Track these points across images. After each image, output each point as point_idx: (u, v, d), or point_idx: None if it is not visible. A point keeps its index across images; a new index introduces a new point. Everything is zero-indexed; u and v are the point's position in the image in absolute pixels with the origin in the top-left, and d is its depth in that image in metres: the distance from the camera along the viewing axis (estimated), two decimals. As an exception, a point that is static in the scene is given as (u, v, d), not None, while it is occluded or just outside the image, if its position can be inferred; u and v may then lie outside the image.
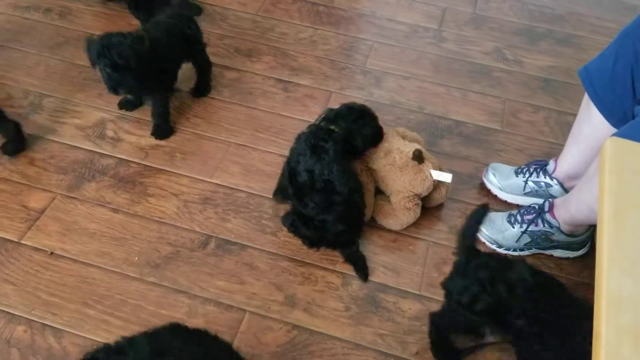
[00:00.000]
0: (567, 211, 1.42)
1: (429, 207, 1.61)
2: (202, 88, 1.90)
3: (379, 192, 1.61)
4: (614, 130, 1.31)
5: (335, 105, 1.61)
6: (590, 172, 1.28)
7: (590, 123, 1.41)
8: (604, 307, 0.63)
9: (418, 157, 1.52)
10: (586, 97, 1.42)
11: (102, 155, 1.68)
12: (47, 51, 1.99)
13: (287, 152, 1.60)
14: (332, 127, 1.50)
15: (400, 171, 1.53)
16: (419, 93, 1.98)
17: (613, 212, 0.71)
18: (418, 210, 1.55)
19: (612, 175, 0.75)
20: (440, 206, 1.63)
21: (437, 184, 1.57)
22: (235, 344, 1.30)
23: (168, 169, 1.66)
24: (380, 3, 2.38)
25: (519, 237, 1.48)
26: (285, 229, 1.52)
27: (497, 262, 1.19)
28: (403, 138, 1.61)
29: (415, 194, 1.54)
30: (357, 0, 2.39)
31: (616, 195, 0.73)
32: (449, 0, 2.42)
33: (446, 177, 1.54)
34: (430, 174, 1.52)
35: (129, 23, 2.13)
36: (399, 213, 1.53)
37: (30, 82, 1.88)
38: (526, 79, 2.09)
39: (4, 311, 1.33)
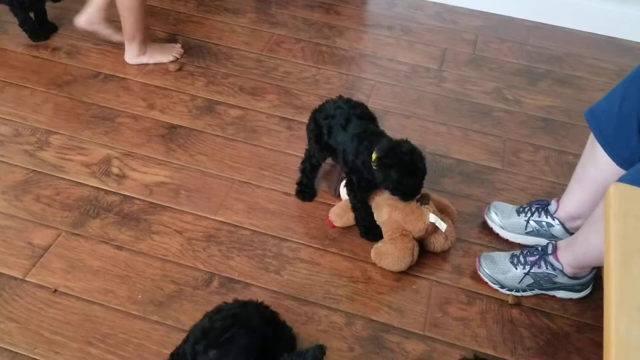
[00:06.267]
0: (573, 254, 1.42)
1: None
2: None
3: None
4: (619, 170, 1.33)
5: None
6: (597, 214, 1.29)
7: (596, 164, 1.42)
8: (613, 354, 0.63)
9: (421, 198, 1.54)
10: (591, 139, 1.43)
11: (107, 192, 1.69)
12: (55, 89, 2.03)
13: (290, 191, 1.61)
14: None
15: (397, 203, 1.54)
16: (420, 132, 2.01)
17: (620, 259, 0.72)
18: (407, 242, 1.52)
19: (618, 221, 0.76)
20: (443, 245, 1.64)
21: (437, 232, 1.56)
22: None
23: (172, 206, 1.67)
24: (382, 44, 2.43)
25: (522, 279, 1.48)
26: (287, 267, 1.53)
27: None
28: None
29: (404, 229, 1.53)
30: (358, 41, 2.44)
31: (622, 241, 0.74)
32: (449, 41, 2.47)
33: (441, 225, 1.54)
34: (428, 216, 1.52)
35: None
36: (389, 247, 1.52)
37: (38, 119, 1.90)
38: (526, 118, 2.12)
39: (7, 349, 1.32)
